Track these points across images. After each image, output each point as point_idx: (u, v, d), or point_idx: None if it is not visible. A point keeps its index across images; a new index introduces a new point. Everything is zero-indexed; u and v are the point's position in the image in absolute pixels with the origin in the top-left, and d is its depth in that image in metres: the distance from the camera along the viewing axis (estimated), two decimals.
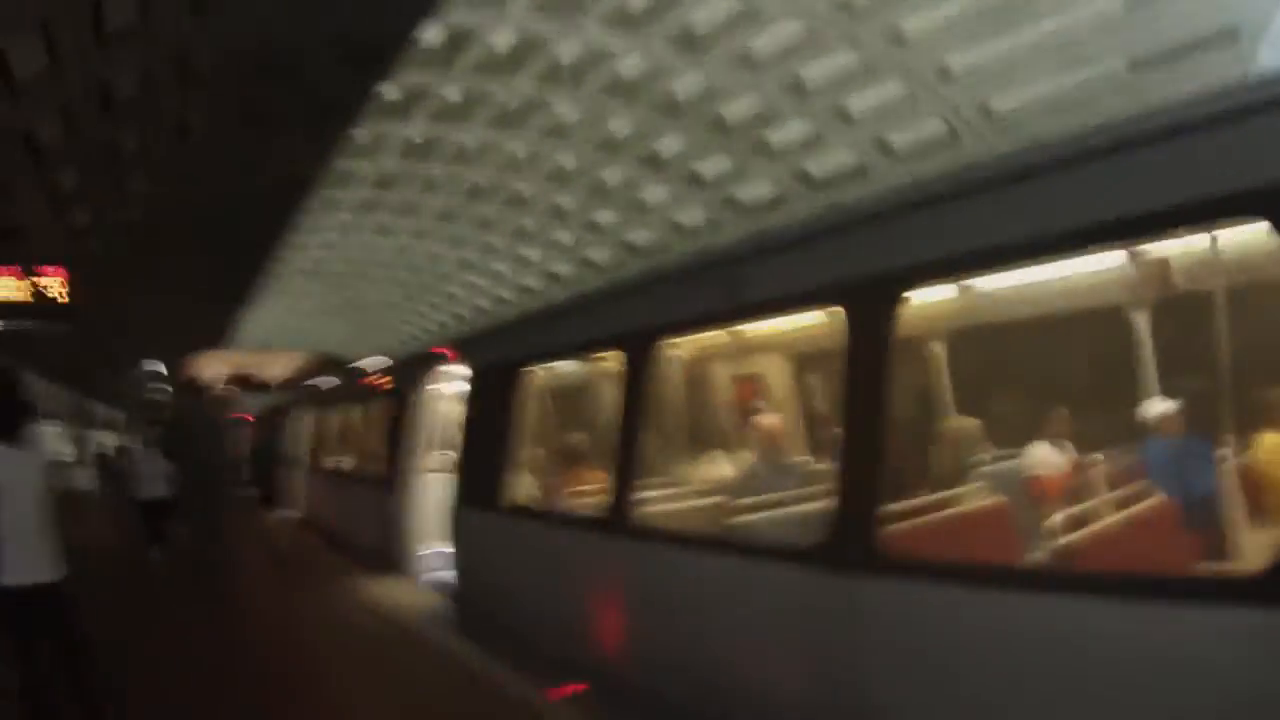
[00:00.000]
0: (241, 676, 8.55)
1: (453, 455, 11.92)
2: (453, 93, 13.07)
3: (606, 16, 11.20)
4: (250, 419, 30.38)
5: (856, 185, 13.15)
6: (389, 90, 12.21)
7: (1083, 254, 6.22)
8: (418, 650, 9.80)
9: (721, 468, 10.36)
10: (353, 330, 27.57)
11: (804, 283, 7.10)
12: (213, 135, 11.52)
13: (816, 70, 12.07)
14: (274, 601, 12.36)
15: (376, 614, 11.37)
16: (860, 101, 12.44)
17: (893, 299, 5.75)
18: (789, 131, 13.28)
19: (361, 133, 13.46)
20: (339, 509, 18.90)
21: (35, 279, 15.07)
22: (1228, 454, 7.40)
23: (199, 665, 8.60)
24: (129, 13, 8.84)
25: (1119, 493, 7.87)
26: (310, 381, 28.09)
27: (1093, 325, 9.73)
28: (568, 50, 12.03)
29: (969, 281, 6.87)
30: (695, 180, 14.86)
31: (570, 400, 13.81)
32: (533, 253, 19.52)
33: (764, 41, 11.66)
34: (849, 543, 6.00)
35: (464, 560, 11.21)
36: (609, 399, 9.11)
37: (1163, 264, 8.34)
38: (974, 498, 8.05)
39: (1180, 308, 9.05)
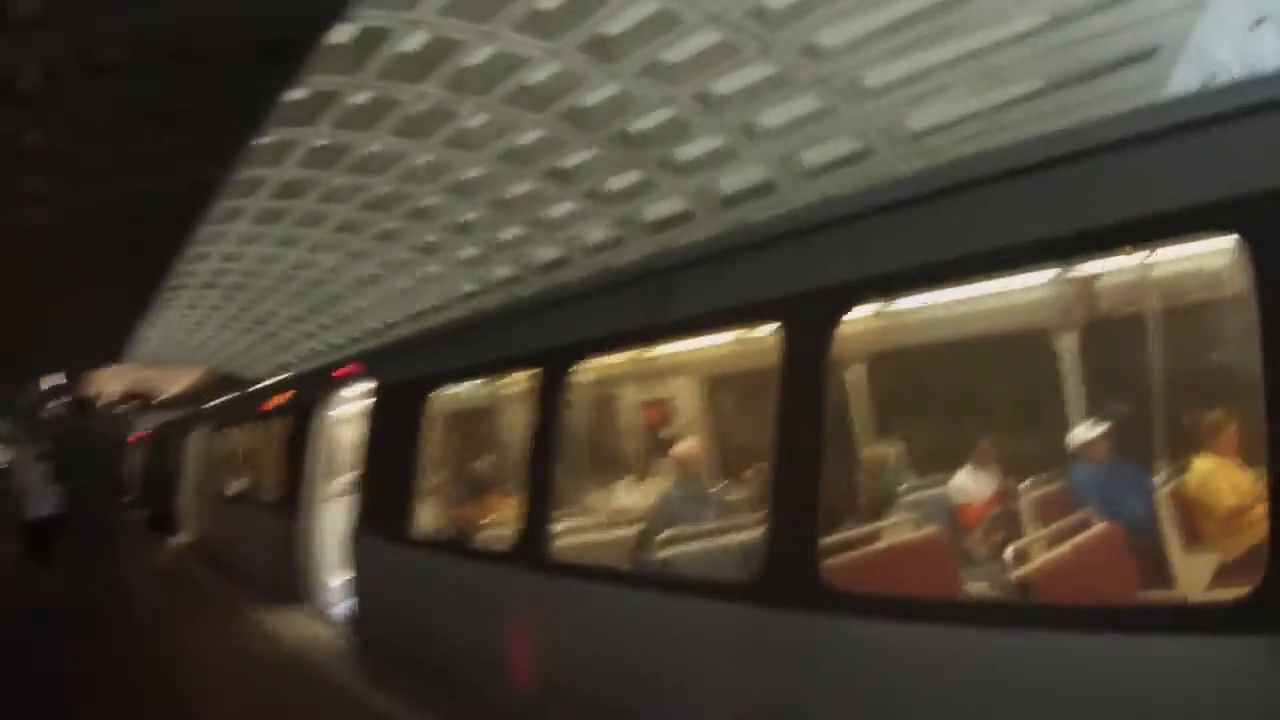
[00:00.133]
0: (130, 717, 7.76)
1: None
2: (360, 97, 12.59)
3: (519, 20, 10.85)
4: (144, 437, 29.32)
5: (765, 202, 12.42)
6: (296, 91, 11.62)
7: (1038, 269, 5.67)
8: (318, 687, 9.03)
9: (640, 497, 9.71)
10: (252, 346, 26.74)
11: (737, 297, 6.52)
12: (118, 132, 10.92)
13: (729, 83, 11.71)
14: (165, 632, 11.47)
15: (276, 647, 10.52)
16: (773, 116, 11.76)
17: (833, 315, 5.33)
18: (698, 146, 12.60)
19: (265, 139, 12.89)
20: (236, 534, 17.88)
21: None
22: (1160, 479, 7.07)
23: (81, 705, 7.80)
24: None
25: (1068, 520, 7.40)
26: (208, 399, 27.02)
27: (1017, 348, 9.23)
28: (478, 54, 11.66)
29: (891, 303, 6.31)
30: (601, 195, 14.17)
31: (480, 423, 13.06)
32: (435, 268, 18.72)
33: (678, 51, 11.38)
34: (790, 577, 5.40)
35: (364, 591, 10.42)
36: (522, 422, 8.46)
37: (1090, 285, 7.84)
38: (909, 527, 7.54)
39: (1109, 330, 8.57)
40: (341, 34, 10.72)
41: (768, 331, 6.36)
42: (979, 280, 6.06)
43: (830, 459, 5.67)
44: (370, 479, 10.58)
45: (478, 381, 10.52)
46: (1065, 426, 8.69)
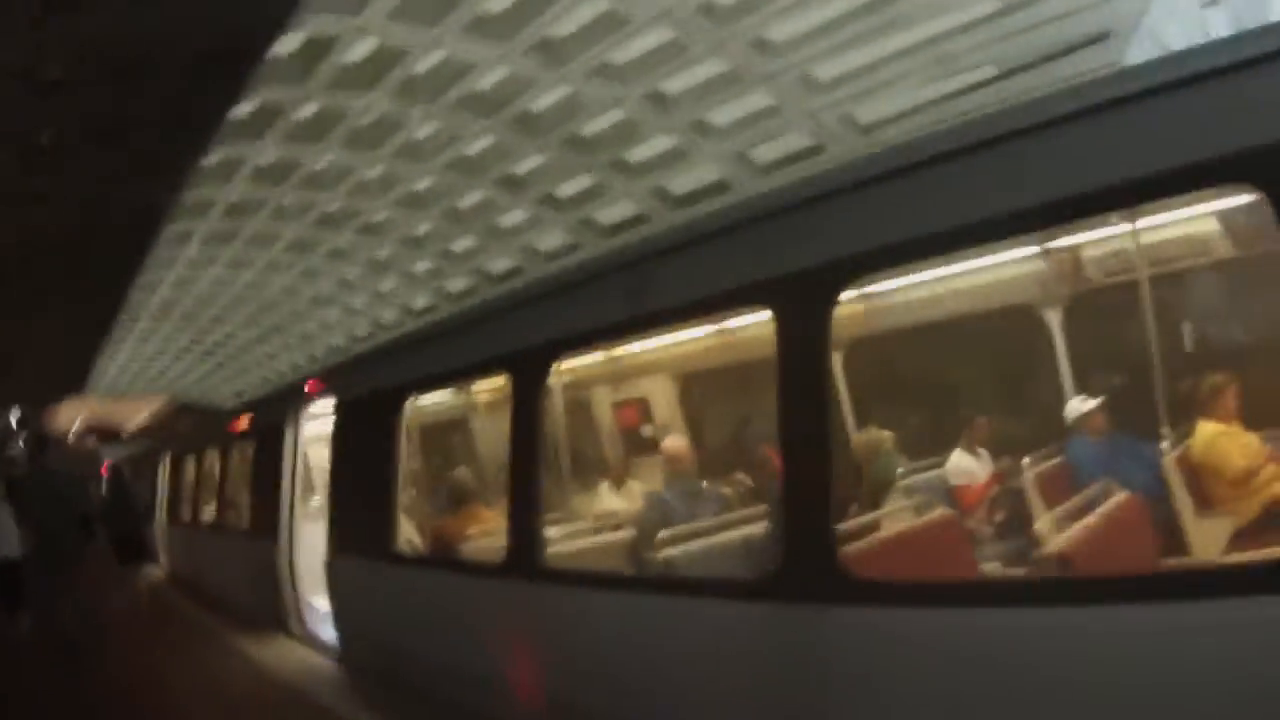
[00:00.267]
0: None
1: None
2: (306, 110, 11.28)
3: (466, 24, 9.68)
4: (105, 471, 28.40)
5: (718, 200, 11.94)
6: (242, 106, 10.58)
7: (1053, 232, 5.45)
8: (304, 713, 8.56)
9: (628, 498, 9.25)
10: (211, 372, 25.81)
11: (723, 282, 6.07)
12: (61, 151, 9.78)
13: (679, 81, 10.79)
14: (145, 664, 10.90)
15: (259, 674, 9.98)
16: (724, 114, 11.34)
17: (831, 295, 5.00)
18: (650, 147, 12.10)
19: (211, 157, 11.65)
20: (213, 560, 17.17)
21: None
22: (1163, 447, 7.01)
23: None
24: None
25: (1085, 493, 7.24)
26: (174, 427, 26.23)
27: (1002, 324, 8.83)
28: (425, 61, 10.44)
29: (892, 277, 5.92)
30: (553, 201, 13.53)
31: (455, 431, 12.49)
32: (389, 284, 17.99)
33: (627, 51, 10.24)
34: (806, 569, 4.84)
35: (344, 614, 9.86)
36: (500, 428, 7.94)
37: (1075, 257, 7.52)
38: (917, 511, 7.22)
39: (1097, 301, 8.21)
40: (287, 44, 9.77)
41: (759, 316, 5.92)
42: (982, 249, 5.64)
43: (839, 446, 5.29)
44: (342, 497, 10.01)
45: (450, 389, 9.99)
46: (1056, 402, 8.30)
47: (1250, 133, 3.56)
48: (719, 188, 12.26)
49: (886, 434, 8.30)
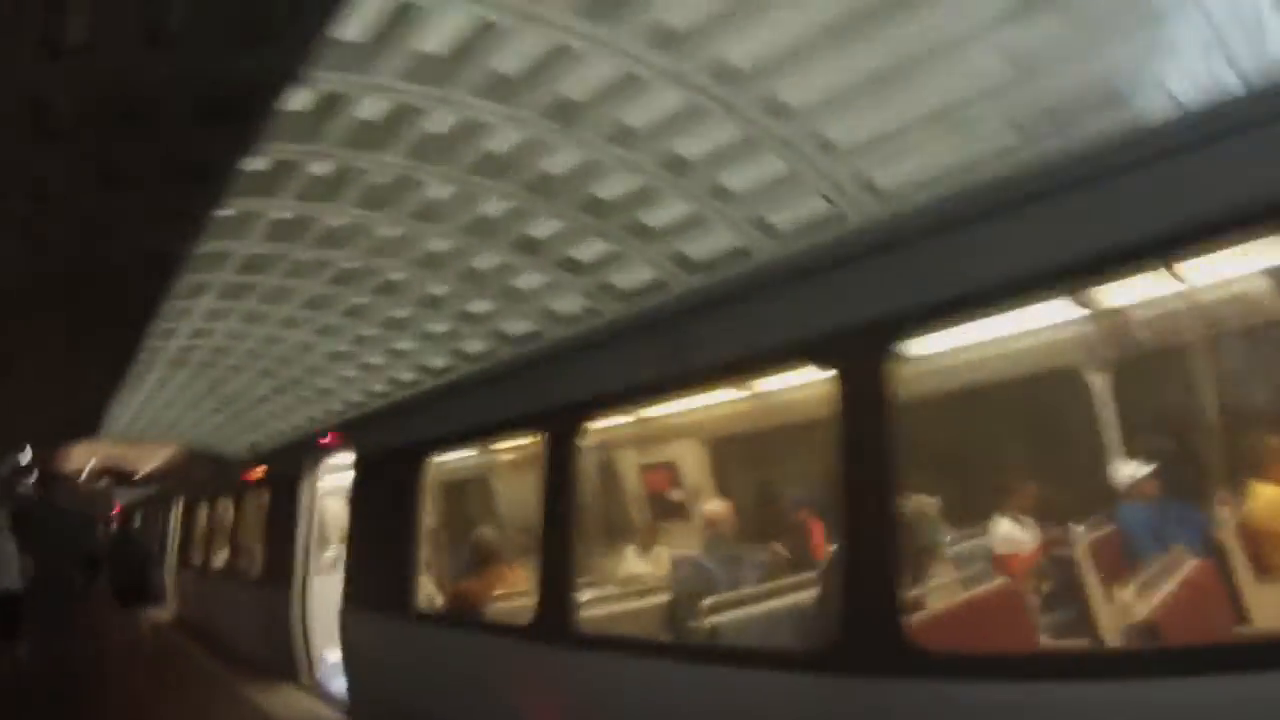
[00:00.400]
0: None
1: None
2: (321, 167, 10.96)
3: (478, 86, 9.35)
4: (118, 512, 27.69)
5: (737, 266, 11.47)
6: (256, 163, 10.24)
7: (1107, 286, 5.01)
8: None
9: (656, 563, 8.72)
10: (224, 423, 25.26)
11: (774, 338, 5.48)
12: (71, 197, 9.56)
13: (695, 145, 10.44)
14: (150, 713, 10.28)
15: None
16: (740, 179, 11.03)
17: (891, 351, 4.64)
18: (667, 212, 11.81)
19: (227, 211, 11.36)
20: (224, 608, 16.37)
21: None
22: (1218, 512, 6.50)
23: None
24: None
25: (1163, 560, 6.69)
26: (187, 473, 25.55)
27: (1048, 387, 8.37)
28: (439, 121, 10.10)
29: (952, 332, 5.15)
30: (571, 265, 13.03)
31: (482, 489, 11.89)
32: (406, 343, 17.59)
33: (641, 113, 9.86)
34: (871, 640, 4.41)
35: (355, 667, 9.20)
36: (531, 486, 7.32)
37: (1123, 318, 7.07)
38: (970, 581, 6.62)
39: (1144, 363, 7.70)
40: (300, 100, 9.45)
41: (810, 374, 5.48)
42: (1052, 298, 4.96)
43: (902, 510, 4.58)
44: (360, 551, 9.45)
45: (478, 445, 9.38)
46: (1103, 467, 7.83)
47: None
48: (739, 254, 11.86)
49: (931, 500, 7.69)
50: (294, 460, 12.54)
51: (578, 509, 6.43)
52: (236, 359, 19.11)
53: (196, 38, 7.19)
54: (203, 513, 19.69)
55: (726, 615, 6.09)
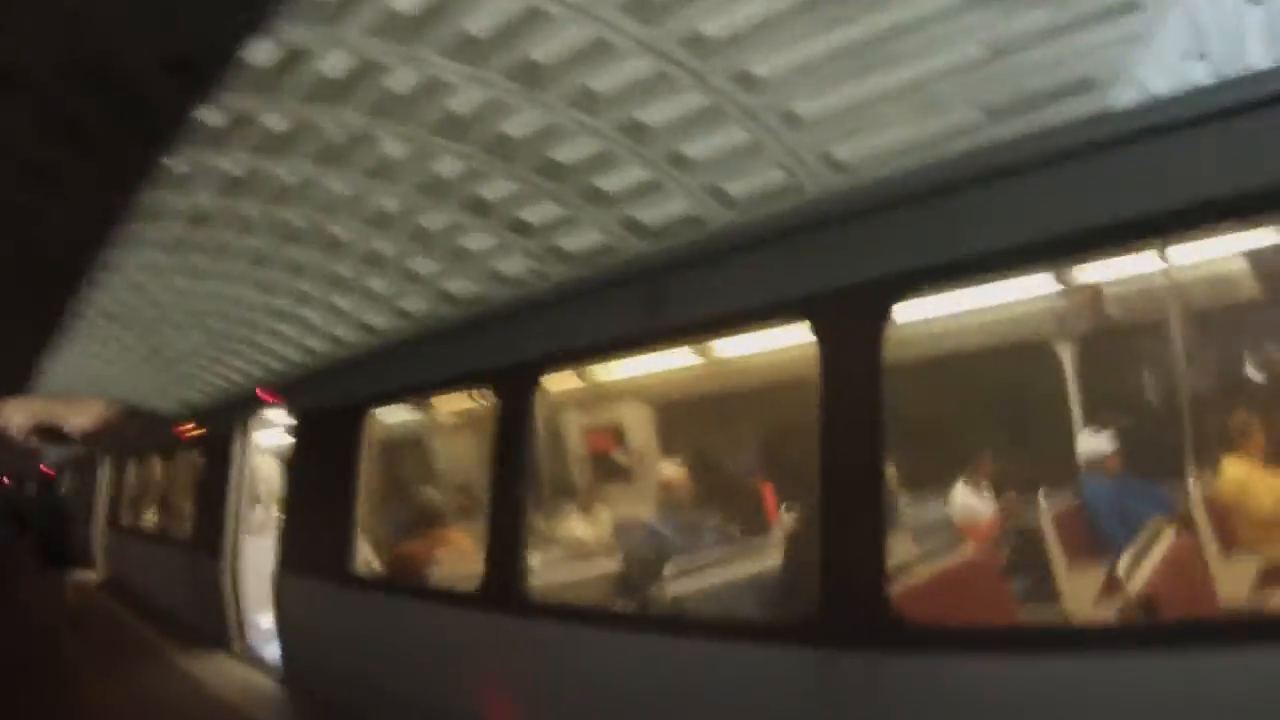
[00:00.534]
0: None
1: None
2: (277, 122, 10.38)
3: (446, 45, 8.91)
4: (48, 470, 26.74)
5: (688, 235, 11.32)
6: (211, 115, 9.66)
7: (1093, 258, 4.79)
8: None
9: (598, 526, 8.33)
10: (160, 380, 24.48)
11: (755, 295, 5.15)
12: (17, 149, 9.19)
13: (658, 113, 10.05)
14: (77, 681, 9.72)
15: (199, 696, 8.84)
16: (700, 147, 10.69)
17: (883, 308, 4.37)
18: (622, 177, 11.39)
19: (178, 162, 10.72)
20: (151, 573, 15.70)
21: None
22: (1183, 487, 6.20)
23: None
24: None
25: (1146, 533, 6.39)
26: (120, 431, 24.73)
27: (1016, 358, 8.10)
28: (401, 80, 9.59)
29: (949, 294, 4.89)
30: (520, 227, 12.50)
31: (422, 449, 11.40)
32: (346, 302, 16.81)
33: (607, 79, 9.45)
34: (854, 611, 4.12)
35: (291, 635, 8.68)
36: (482, 445, 6.86)
37: (1096, 291, 6.80)
38: (957, 550, 6.35)
39: (1113, 338, 7.51)
40: (261, 53, 8.89)
41: (799, 333, 5.12)
42: (1050, 266, 5.06)
43: (886, 475, 4.37)
44: (295, 512, 8.94)
45: (423, 402, 8.93)
46: (1067, 440, 7.64)
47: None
48: (692, 221, 11.51)
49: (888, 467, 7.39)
50: (227, 417, 11.97)
51: (531, 470, 6.02)
52: (173, 313, 18.40)
53: None
54: (132, 472, 19.00)
55: (688, 584, 5.71)
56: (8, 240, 11.36)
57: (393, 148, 11.02)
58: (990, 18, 7.83)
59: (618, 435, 9.85)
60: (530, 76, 9.36)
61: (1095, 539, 6.85)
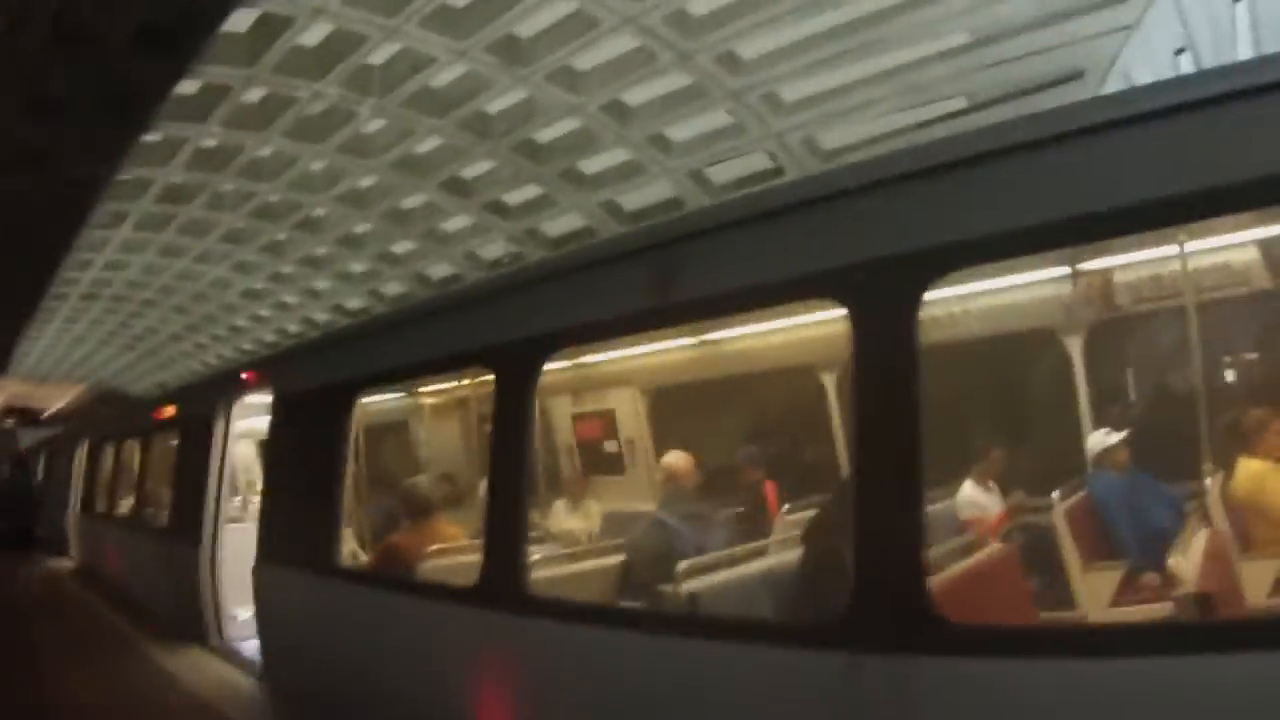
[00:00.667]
0: None
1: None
2: (252, 94, 10.03)
3: (427, 16, 8.55)
4: (22, 452, 26.00)
5: (666, 216, 10.70)
6: (187, 86, 9.31)
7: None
8: None
9: (587, 518, 7.89)
10: (139, 362, 23.98)
11: (780, 270, 4.63)
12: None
13: (641, 93, 9.77)
14: (48, 674, 9.22)
15: (175, 690, 8.36)
16: (682, 130, 10.47)
17: (922, 286, 3.93)
18: (603, 159, 11.10)
19: (152, 136, 10.26)
20: (126, 561, 15.03)
21: None
22: (1196, 484, 5.98)
23: None
24: None
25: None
26: (92, 412, 24.05)
27: (1023, 350, 7.78)
28: (381, 51, 9.31)
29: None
30: (499, 208, 12.07)
31: (413, 433, 10.89)
32: (323, 283, 16.36)
33: (590, 55, 9.17)
34: (892, 612, 3.86)
35: (271, 629, 8.16)
36: (471, 431, 6.38)
37: (1107, 280, 6.44)
38: (975, 547, 5.94)
39: (1122, 331, 7.16)
40: (238, 21, 8.66)
41: (827, 311, 4.71)
42: (1092, 242, 4.56)
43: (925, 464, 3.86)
44: (278, 500, 8.44)
45: (414, 384, 8.42)
46: (1073, 435, 7.32)
47: None
48: (672, 204, 11.19)
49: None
50: (206, 399, 11.41)
51: (533, 457, 5.61)
52: (150, 293, 18.09)
53: None
54: (109, 456, 18.34)
55: (704, 581, 5.29)
56: None
57: (369, 123, 10.67)
58: (978, 4, 7.61)
59: (608, 423, 9.41)
60: (511, 52, 9.05)
61: (1107, 536, 6.53)
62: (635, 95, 9.62)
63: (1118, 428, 6.88)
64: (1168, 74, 7.37)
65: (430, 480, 8.02)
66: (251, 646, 8.76)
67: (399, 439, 11.05)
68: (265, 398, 9.27)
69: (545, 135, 10.57)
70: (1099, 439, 6.90)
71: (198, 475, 10.79)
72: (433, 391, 8.86)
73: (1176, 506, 6.38)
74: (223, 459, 10.77)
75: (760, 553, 5.90)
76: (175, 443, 13.15)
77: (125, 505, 16.24)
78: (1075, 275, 6.36)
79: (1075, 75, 7.97)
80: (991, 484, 7.29)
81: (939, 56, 8.24)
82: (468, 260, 14.09)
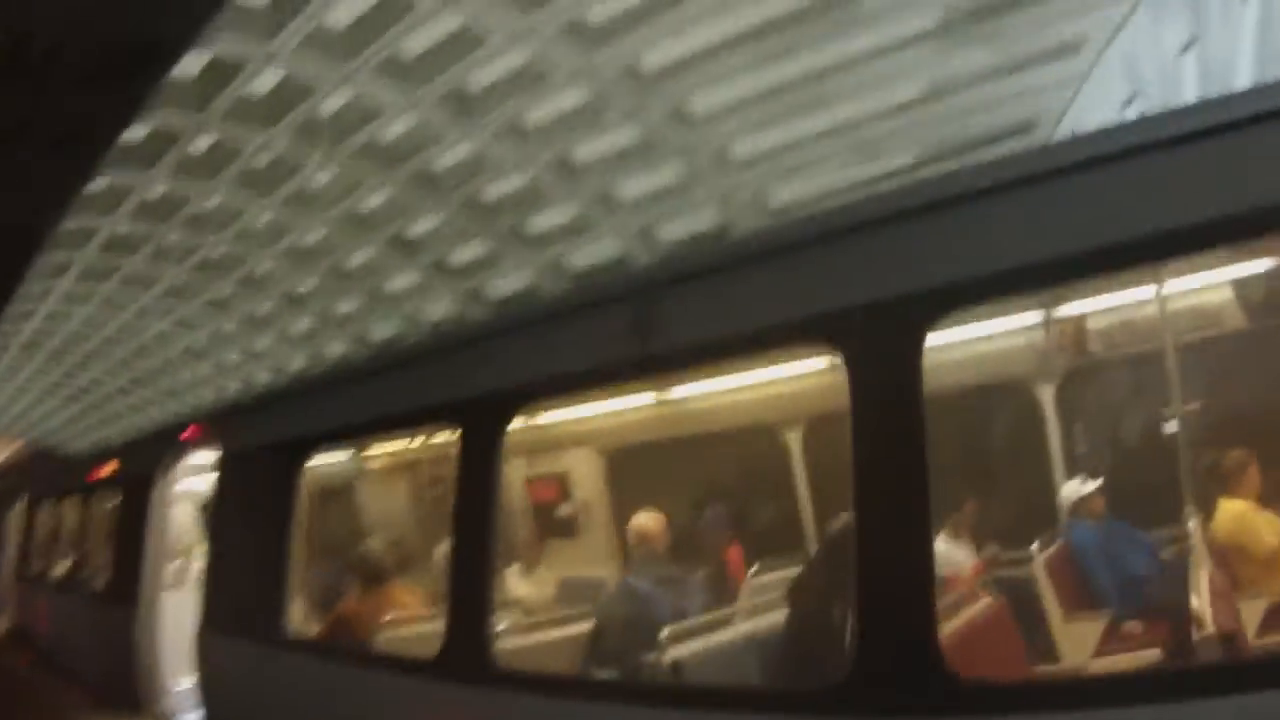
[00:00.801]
0: None
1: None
2: (200, 143, 9.38)
3: (380, 65, 8.05)
4: None
5: (612, 275, 10.28)
6: (134, 131, 8.63)
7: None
8: None
9: (541, 585, 7.43)
10: (78, 416, 22.84)
11: (770, 316, 4.55)
12: None
13: (589, 148, 9.25)
14: None
15: None
16: (630, 186, 9.97)
17: (924, 328, 3.87)
18: (550, 216, 10.65)
19: (97, 183, 9.59)
20: (61, 626, 14.18)
21: None
22: (1190, 528, 5.91)
23: None
24: None
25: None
26: (29, 470, 23.15)
27: (997, 398, 7.49)
28: (330, 102, 8.73)
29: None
30: (444, 268, 11.63)
31: (373, 494, 10.34)
32: (265, 342, 15.59)
33: (540, 109, 8.65)
34: (901, 673, 3.63)
35: (215, 699, 7.56)
36: (432, 492, 5.92)
37: (1076, 325, 6.20)
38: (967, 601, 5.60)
39: (1091, 378, 6.95)
40: (189, 66, 8.09)
41: (821, 356, 4.47)
42: (1109, 273, 4.21)
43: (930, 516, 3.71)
44: (223, 564, 7.85)
45: (370, 441, 7.92)
46: (1048, 485, 7.07)
47: None
48: (619, 263, 10.70)
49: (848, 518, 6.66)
50: (146, 457, 10.78)
51: (499, 519, 5.13)
52: (91, 348, 17.21)
53: None
54: (46, 515, 17.50)
55: (688, 648, 4.84)
56: None
57: (316, 176, 10.02)
58: (931, 57, 7.28)
59: (563, 486, 8.99)
60: (461, 104, 8.58)
61: (1085, 586, 6.25)
62: (584, 151, 9.11)
63: (1092, 475, 6.66)
64: (1114, 122, 7.30)
65: (385, 543, 7.54)
66: (187, 714, 8.22)
67: (351, 500, 10.55)
68: (209, 456, 8.75)
69: (492, 192, 9.98)
70: (1074, 488, 6.66)
71: (136, 536, 10.17)
72: (387, 451, 8.41)
73: (1154, 553, 6.20)
74: (162, 519, 10.16)
75: (742, 616, 5.50)
76: (113, 502, 12.48)
77: (61, 567, 15.45)
78: (1047, 323, 6.10)
79: (1026, 128, 7.60)
80: (966, 537, 6.99)
81: (889, 111, 7.85)
82: (411, 321, 13.58)
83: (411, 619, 6.09)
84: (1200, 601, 4.90)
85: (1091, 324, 6.14)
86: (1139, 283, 5.06)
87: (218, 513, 8.03)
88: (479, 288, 12.32)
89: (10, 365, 18.82)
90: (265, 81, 8.64)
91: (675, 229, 9.94)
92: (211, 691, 7.53)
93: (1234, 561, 6.24)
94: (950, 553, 7.10)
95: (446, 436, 5.71)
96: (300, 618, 6.95)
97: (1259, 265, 4.98)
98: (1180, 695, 3.07)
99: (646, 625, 5.11)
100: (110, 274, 13.37)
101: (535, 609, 7.55)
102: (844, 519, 4.46)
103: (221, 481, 7.94)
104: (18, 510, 20.40)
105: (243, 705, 7.09)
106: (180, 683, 8.89)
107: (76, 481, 15.47)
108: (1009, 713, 3.27)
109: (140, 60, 7.09)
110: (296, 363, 17.05)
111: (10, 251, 10.62)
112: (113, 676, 10.33)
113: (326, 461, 7.45)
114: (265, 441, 7.31)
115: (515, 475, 9.19)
